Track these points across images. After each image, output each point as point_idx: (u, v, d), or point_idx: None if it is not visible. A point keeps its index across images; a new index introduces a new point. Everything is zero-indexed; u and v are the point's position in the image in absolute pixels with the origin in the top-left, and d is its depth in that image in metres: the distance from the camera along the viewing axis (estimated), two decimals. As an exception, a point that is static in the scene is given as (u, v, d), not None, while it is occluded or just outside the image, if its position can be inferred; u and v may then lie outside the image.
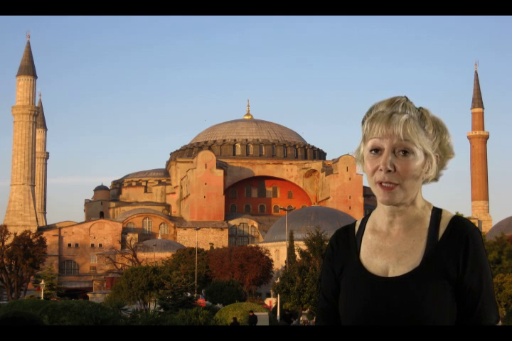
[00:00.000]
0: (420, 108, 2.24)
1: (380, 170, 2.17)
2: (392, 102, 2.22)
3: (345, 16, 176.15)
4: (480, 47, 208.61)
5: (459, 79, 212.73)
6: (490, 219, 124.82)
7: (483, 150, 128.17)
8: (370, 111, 2.24)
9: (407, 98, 2.24)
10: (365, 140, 2.24)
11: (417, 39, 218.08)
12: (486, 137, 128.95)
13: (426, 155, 2.20)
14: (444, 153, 2.25)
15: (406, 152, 2.17)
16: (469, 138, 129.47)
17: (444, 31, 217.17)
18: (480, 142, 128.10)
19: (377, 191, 2.20)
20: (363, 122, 2.25)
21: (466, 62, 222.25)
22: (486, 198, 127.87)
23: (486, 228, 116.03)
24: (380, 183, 2.17)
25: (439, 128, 2.23)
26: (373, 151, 2.20)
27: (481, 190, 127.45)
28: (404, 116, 2.18)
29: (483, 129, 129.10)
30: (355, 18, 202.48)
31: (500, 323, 2.24)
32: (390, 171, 2.16)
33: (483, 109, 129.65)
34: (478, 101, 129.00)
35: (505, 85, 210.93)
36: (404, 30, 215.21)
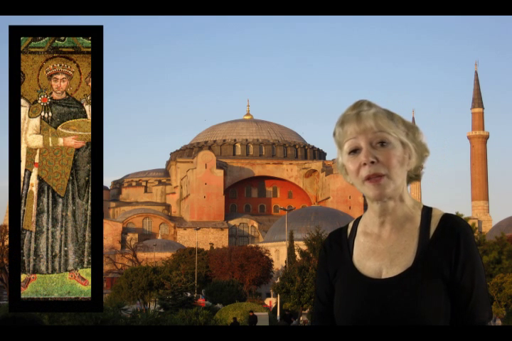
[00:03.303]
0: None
1: (364, 164, 2.17)
2: (357, 104, 2.25)
3: (345, 16, 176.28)
4: (480, 47, 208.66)
5: (459, 79, 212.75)
6: (490, 219, 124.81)
7: (483, 150, 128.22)
8: (339, 119, 2.27)
9: (370, 101, 2.27)
10: (340, 146, 2.25)
11: (417, 39, 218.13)
12: (486, 137, 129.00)
13: (403, 144, 2.21)
14: (420, 150, 2.26)
15: (383, 142, 2.18)
16: (469, 138, 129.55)
17: (444, 31, 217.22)
18: (480, 142, 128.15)
19: (366, 188, 2.19)
20: (334, 133, 2.27)
21: (466, 62, 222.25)
22: (486, 198, 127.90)
23: (486, 228, 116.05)
24: (368, 179, 2.17)
25: (408, 124, 2.25)
26: (352, 153, 2.21)
27: (481, 190, 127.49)
28: (372, 110, 2.21)
29: (483, 129, 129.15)
30: (355, 18, 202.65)
31: (499, 323, 2.25)
32: (373, 162, 2.16)
33: (483, 109, 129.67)
34: (478, 101, 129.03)
35: (505, 85, 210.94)
36: (404, 30, 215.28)
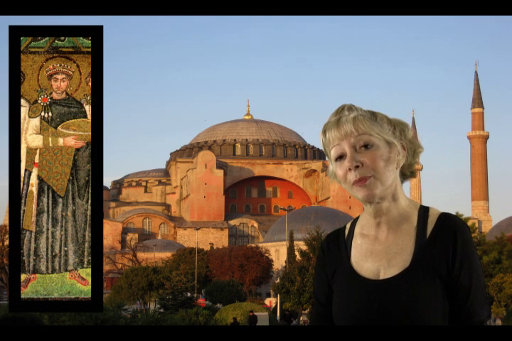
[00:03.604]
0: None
1: (350, 169, 2.17)
2: (338, 110, 2.24)
3: (345, 16, 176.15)
4: (480, 47, 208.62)
5: (459, 79, 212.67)
6: (490, 219, 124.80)
7: (483, 150, 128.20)
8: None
9: (352, 104, 2.25)
10: (328, 154, 2.26)
11: (417, 39, 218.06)
12: (486, 137, 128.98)
13: (389, 143, 2.20)
14: (413, 146, 2.25)
15: (367, 145, 2.17)
16: (469, 138, 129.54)
17: (444, 31, 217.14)
18: (480, 142, 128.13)
19: (355, 191, 2.19)
20: (320, 140, 2.27)
21: (466, 62, 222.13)
22: (486, 198, 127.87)
23: (486, 228, 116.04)
24: (355, 183, 2.17)
25: (395, 122, 2.24)
26: (338, 159, 2.21)
27: (481, 190, 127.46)
28: (352, 115, 2.20)
29: (483, 129, 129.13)
30: (355, 18, 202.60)
31: (499, 323, 2.25)
32: (358, 167, 2.16)
33: (483, 109, 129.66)
34: (478, 101, 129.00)
35: (505, 85, 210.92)
36: (404, 30, 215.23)
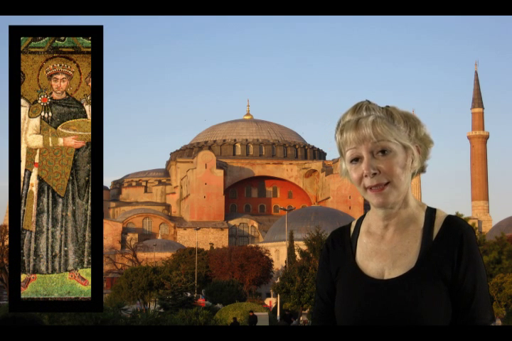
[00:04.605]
0: (386, 106, 2.24)
1: (366, 176, 2.17)
2: (356, 109, 2.22)
3: (345, 16, 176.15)
4: (480, 47, 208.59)
5: (459, 79, 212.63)
6: (490, 219, 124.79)
7: (483, 150, 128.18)
8: (338, 124, 2.24)
9: (369, 101, 2.24)
10: (342, 153, 2.25)
11: (417, 39, 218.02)
12: (486, 137, 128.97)
13: (405, 148, 2.19)
14: (423, 143, 2.24)
15: (384, 151, 2.17)
16: (469, 138, 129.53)
17: (444, 31, 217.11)
18: (480, 142, 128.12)
19: (369, 196, 2.19)
20: (335, 137, 2.26)
21: (466, 62, 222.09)
22: (486, 198, 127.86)
23: (486, 228, 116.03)
24: (370, 188, 2.17)
25: (410, 121, 2.23)
26: (354, 161, 2.20)
27: (481, 190, 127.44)
28: (371, 118, 2.18)
29: (483, 129, 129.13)
30: (355, 18, 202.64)
31: (499, 323, 2.25)
32: (375, 174, 2.16)
33: (483, 109, 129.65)
34: (478, 101, 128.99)
35: (505, 85, 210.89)
36: (404, 30, 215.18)
